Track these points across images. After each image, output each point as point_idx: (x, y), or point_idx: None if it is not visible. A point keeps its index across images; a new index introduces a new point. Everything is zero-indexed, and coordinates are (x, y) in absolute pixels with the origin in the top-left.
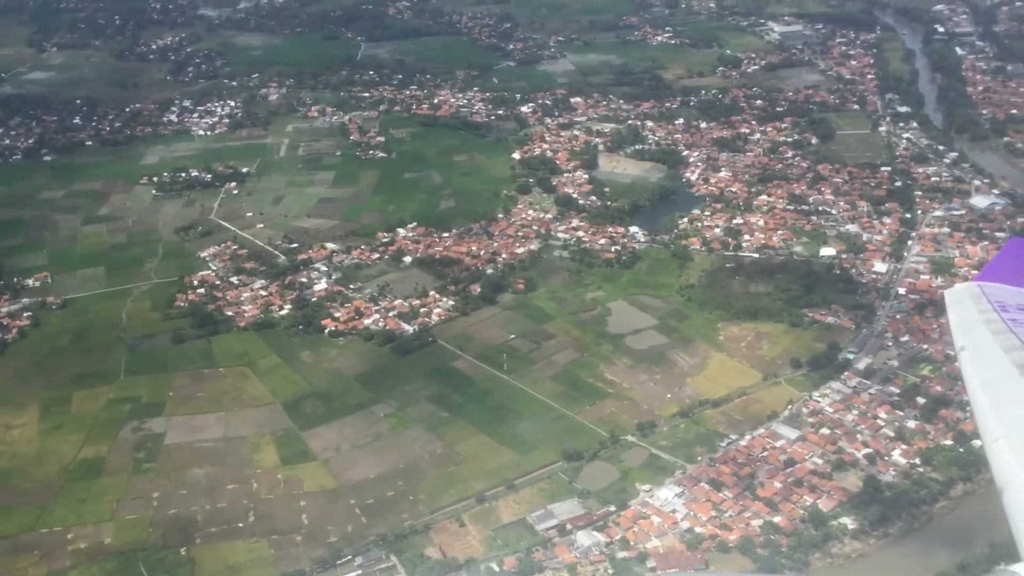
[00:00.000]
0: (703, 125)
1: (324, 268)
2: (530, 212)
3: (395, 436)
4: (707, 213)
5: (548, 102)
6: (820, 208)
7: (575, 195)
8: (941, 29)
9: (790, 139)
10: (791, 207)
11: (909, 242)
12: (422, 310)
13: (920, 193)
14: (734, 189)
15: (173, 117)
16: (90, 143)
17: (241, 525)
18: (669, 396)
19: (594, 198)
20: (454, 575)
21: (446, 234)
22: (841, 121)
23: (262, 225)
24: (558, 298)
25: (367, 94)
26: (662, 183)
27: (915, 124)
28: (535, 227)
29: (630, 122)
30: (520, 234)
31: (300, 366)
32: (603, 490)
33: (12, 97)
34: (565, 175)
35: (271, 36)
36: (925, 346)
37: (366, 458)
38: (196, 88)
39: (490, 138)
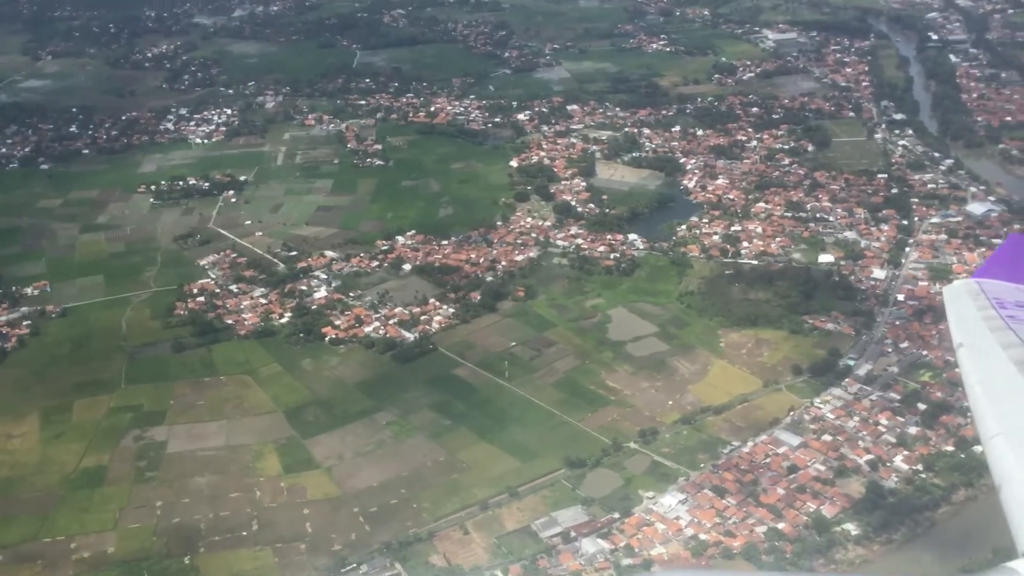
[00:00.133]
0: (699, 132)
1: (324, 276)
2: (528, 220)
3: (397, 444)
4: (705, 220)
5: (545, 110)
6: (818, 215)
7: (573, 203)
8: (935, 37)
9: (786, 146)
10: (789, 214)
11: (907, 249)
12: (422, 318)
13: (917, 200)
14: (732, 196)
15: (170, 125)
16: (87, 151)
17: (245, 534)
18: (671, 403)
19: (592, 205)
20: None
21: (445, 242)
22: (837, 128)
23: (261, 233)
24: (558, 305)
25: (363, 102)
26: (660, 190)
27: (910, 131)
28: (534, 235)
29: (627, 129)
30: (519, 242)
31: (301, 374)
32: (607, 497)
33: (8, 105)
34: (563, 183)
35: (266, 44)
36: (925, 352)
37: (369, 466)
38: (192, 96)
39: (487, 146)
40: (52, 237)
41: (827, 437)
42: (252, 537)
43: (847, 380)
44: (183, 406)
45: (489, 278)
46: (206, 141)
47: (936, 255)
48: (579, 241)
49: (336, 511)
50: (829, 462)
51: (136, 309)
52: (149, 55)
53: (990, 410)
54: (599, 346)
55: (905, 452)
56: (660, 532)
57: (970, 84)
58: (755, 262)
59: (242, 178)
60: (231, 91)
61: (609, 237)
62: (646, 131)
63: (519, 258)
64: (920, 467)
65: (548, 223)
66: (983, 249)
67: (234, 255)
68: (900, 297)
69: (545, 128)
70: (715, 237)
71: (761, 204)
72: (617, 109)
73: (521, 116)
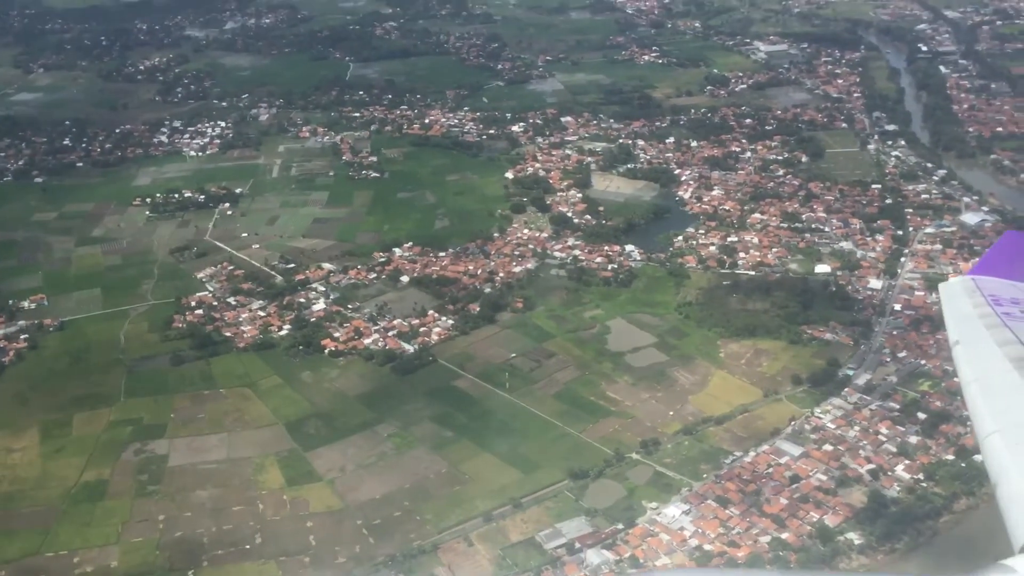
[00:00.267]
0: (694, 144)
1: (322, 288)
2: (525, 231)
3: (399, 456)
4: (701, 231)
5: (539, 121)
6: (813, 226)
7: (570, 214)
8: (924, 48)
9: (780, 157)
10: (784, 225)
11: (902, 259)
12: (421, 329)
13: (911, 210)
14: (727, 207)
15: (164, 138)
16: (81, 164)
17: (248, 547)
18: (671, 413)
19: (589, 217)
20: None
21: (442, 253)
22: (830, 139)
23: (257, 246)
24: (557, 316)
25: (357, 114)
26: (655, 201)
27: (903, 142)
28: (531, 246)
29: (621, 141)
30: (516, 253)
31: (301, 386)
32: (610, 508)
33: (0, 119)
34: (559, 194)
35: (259, 57)
36: (923, 362)
37: (371, 478)
38: (186, 109)
39: (482, 158)
40: (48, 250)
41: (828, 447)
42: (256, 550)
43: (847, 390)
44: (183, 419)
45: (487, 290)
46: (200, 154)
47: (932, 265)
48: (576, 252)
49: (339, 524)
50: (831, 472)
51: (134, 322)
52: (141, 68)
53: (986, 407)
54: (599, 357)
55: (906, 461)
56: (664, 543)
57: (961, 95)
58: (752, 273)
59: (238, 190)
60: (224, 104)
61: (606, 248)
62: (640, 143)
63: (517, 269)
64: (921, 476)
65: (545, 234)
66: (978, 259)
67: (231, 268)
68: (897, 307)
69: (540, 140)
70: (712, 248)
71: (757, 215)
72: (611, 121)
73: (515, 128)
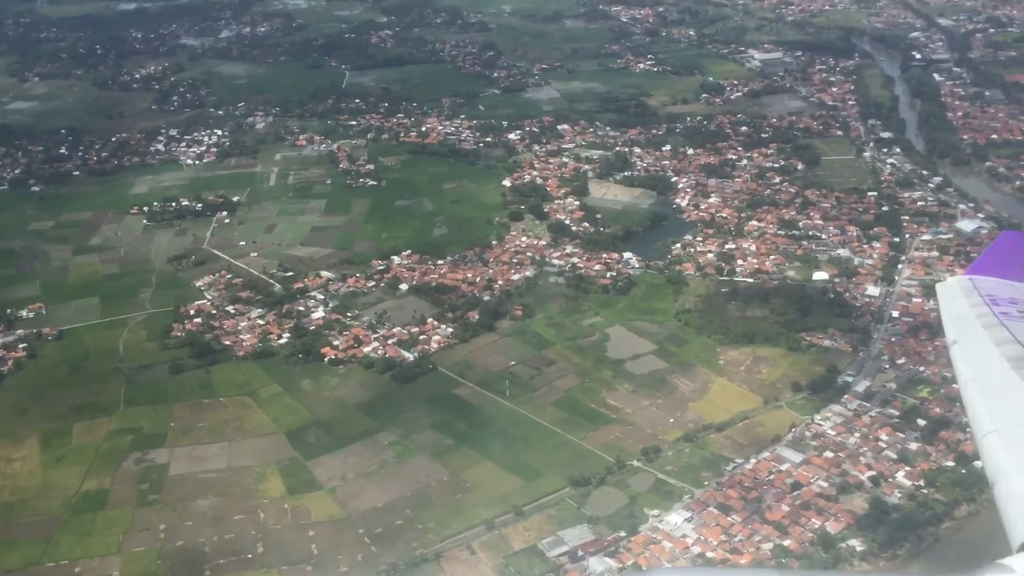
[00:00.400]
0: (690, 151)
1: (320, 296)
2: (523, 239)
3: (400, 464)
4: (699, 239)
5: (535, 129)
6: (810, 233)
7: (567, 222)
8: (918, 56)
9: (776, 165)
10: (782, 232)
11: (900, 266)
12: (421, 337)
13: (907, 217)
14: (724, 215)
15: (160, 146)
16: (77, 173)
17: (250, 556)
18: (672, 421)
19: (586, 224)
20: None
21: (441, 261)
22: (826, 147)
23: (256, 254)
24: (556, 324)
25: (354, 122)
26: (653, 209)
27: (898, 149)
28: (529, 254)
29: (618, 149)
30: (515, 261)
31: (301, 395)
32: (612, 515)
33: None
34: (556, 202)
35: (254, 65)
36: (922, 368)
37: (373, 487)
38: (182, 117)
39: (479, 165)
40: (45, 259)
41: (829, 454)
42: (258, 559)
43: (846, 396)
44: (183, 428)
45: (486, 297)
46: (197, 162)
47: (929, 272)
48: (575, 260)
49: (341, 532)
50: (832, 478)
51: (133, 331)
52: (137, 76)
53: (984, 407)
54: (598, 364)
55: (906, 468)
56: (667, 550)
57: (955, 103)
58: (750, 280)
59: (235, 199)
60: (221, 112)
61: (604, 256)
62: (637, 150)
63: (515, 277)
64: (922, 482)
65: (543, 242)
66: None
67: (229, 276)
68: (895, 314)
69: (536, 147)
70: (709, 255)
71: (754, 222)
72: (607, 128)
73: (512, 136)
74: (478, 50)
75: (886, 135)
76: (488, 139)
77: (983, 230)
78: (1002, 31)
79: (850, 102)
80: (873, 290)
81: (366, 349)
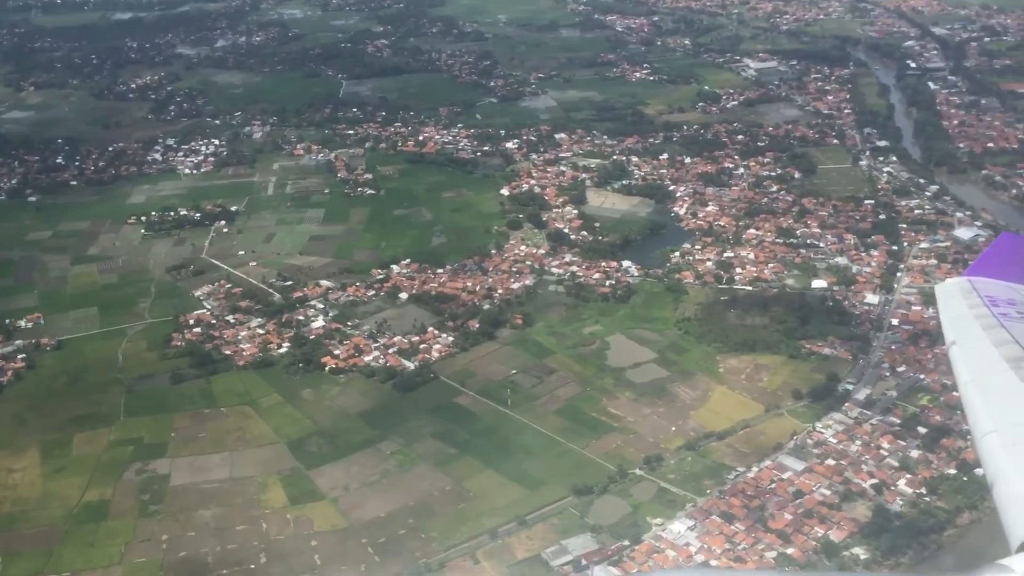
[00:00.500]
0: (687, 160)
1: (320, 306)
2: (522, 248)
3: (403, 473)
4: (698, 247)
5: (533, 138)
6: (808, 241)
7: (566, 230)
8: (913, 65)
9: (773, 173)
10: (780, 240)
11: (898, 274)
12: (422, 346)
13: (904, 226)
14: (722, 223)
15: (157, 156)
16: (75, 183)
17: (253, 566)
18: (674, 429)
19: (585, 233)
20: None
21: (440, 270)
22: (822, 155)
23: (255, 263)
24: (556, 333)
25: (351, 132)
26: (651, 217)
27: (894, 158)
28: (528, 262)
29: (615, 157)
30: (514, 269)
31: (302, 404)
32: (615, 524)
33: None
34: (555, 210)
35: (251, 74)
36: (922, 376)
37: (375, 496)
38: (179, 127)
39: (477, 174)
40: (43, 269)
41: (831, 461)
42: (261, 570)
43: (847, 404)
44: (184, 438)
45: (486, 306)
46: (195, 171)
47: (927, 280)
48: (574, 268)
49: (344, 542)
50: (834, 487)
51: (132, 341)
52: (133, 86)
53: (982, 408)
54: (599, 373)
55: (908, 476)
56: (671, 559)
57: (950, 111)
58: (749, 288)
59: (233, 208)
60: (218, 121)
61: (603, 264)
62: (634, 159)
63: (515, 286)
64: (924, 490)
65: (542, 251)
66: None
67: (229, 285)
68: (894, 322)
69: (534, 156)
70: (708, 263)
71: (752, 231)
72: (604, 137)
73: (510, 144)
74: (474, 59)
75: (882, 143)
76: (486, 148)
77: (981, 238)
78: (996, 40)
79: (846, 111)
80: (872, 298)
81: (367, 358)
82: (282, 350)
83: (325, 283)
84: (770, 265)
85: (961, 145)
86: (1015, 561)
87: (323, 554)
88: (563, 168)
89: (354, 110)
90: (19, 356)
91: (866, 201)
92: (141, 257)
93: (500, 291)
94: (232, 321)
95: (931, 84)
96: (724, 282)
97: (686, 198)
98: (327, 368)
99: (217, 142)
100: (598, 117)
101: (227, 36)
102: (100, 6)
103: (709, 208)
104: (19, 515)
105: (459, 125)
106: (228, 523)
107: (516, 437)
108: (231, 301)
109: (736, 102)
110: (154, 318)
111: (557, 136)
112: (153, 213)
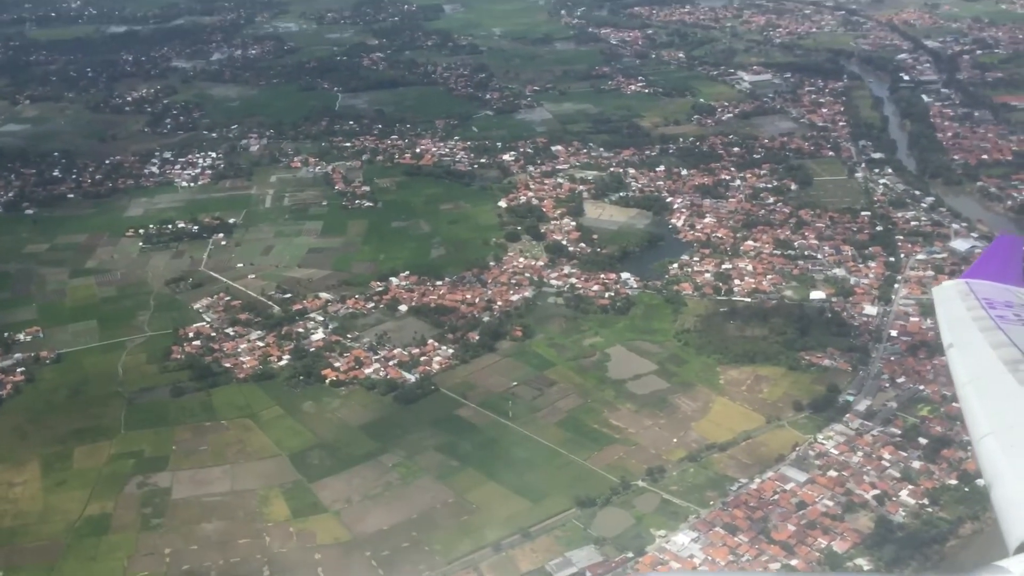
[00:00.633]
0: (684, 172)
1: (320, 318)
2: (521, 260)
3: (405, 486)
4: (696, 259)
5: (529, 150)
6: (806, 253)
7: (564, 242)
8: (906, 77)
9: (770, 185)
10: (778, 252)
11: (896, 285)
12: (422, 359)
13: (901, 237)
14: (720, 235)
15: (154, 169)
16: (71, 196)
17: None
18: (675, 440)
19: (583, 245)
20: None
21: (439, 282)
22: (818, 167)
23: (253, 276)
24: (556, 344)
25: (348, 144)
26: (649, 229)
27: (889, 170)
28: (527, 274)
29: (612, 169)
30: (513, 281)
31: (303, 417)
32: (619, 536)
33: None
34: (552, 222)
35: (247, 87)
36: (922, 387)
37: (378, 509)
38: (175, 140)
39: (474, 187)
40: (41, 282)
41: (832, 473)
42: None
43: (848, 416)
44: (185, 451)
45: (486, 318)
46: (192, 184)
47: (925, 291)
48: (573, 280)
49: (347, 556)
50: (837, 498)
51: (132, 354)
52: (129, 99)
53: (980, 410)
54: (600, 384)
55: (910, 486)
56: (675, 570)
57: (944, 123)
58: (748, 299)
59: (231, 221)
60: (214, 134)
61: (602, 276)
62: (631, 171)
63: (514, 298)
64: (926, 501)
65: (541, 263)
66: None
67: (228, 298)
68: (893, 333)
69: (531, 168)
70: (707, 275)
71: (750, 242)
72: (601, 149)
73: (506, 157)
74: (470, 72)
75: (877, 156)
76: (482, 160)
77: (977, 249)
78: (988, 52)
79: (840, 123)
80: (870, 309)
81: (367, 371)
82: (282, 363)
83: (324, 295)
84: (768, 276)
85: (955, 157)
86: (1012, 562)
87: (326, 567)
88: (560, 180)
89: (351, 123)
90: (18, 369)
91: (863, 213)
92: (139, 270)
93: (499, 303)
94: (232, 334)
95: (924, 97)
96: (723, 294)
97: (683, 210)
98: (327, 381)
99: (214, 155)
100: (594, 129)
101: (223, 49)
102: (95, 19)
103: (706, 220)
104: (20, 529)
105: (456, 137)
106: (230, 536)
107: (518, 449)
108: (230, 314)
109: (731, 114)
110: (153, 331)
111: (554, 148)
112: (151, 226)
